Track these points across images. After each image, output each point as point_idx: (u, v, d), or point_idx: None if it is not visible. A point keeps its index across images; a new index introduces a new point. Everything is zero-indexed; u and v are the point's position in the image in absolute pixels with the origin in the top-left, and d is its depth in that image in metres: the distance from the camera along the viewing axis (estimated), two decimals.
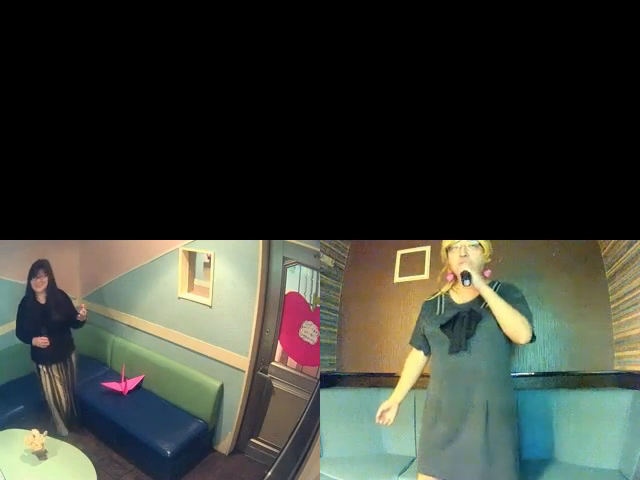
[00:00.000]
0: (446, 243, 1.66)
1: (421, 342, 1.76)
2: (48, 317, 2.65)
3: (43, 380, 2.68)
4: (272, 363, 2.79)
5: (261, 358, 2.78)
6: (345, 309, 3.28)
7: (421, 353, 1.78)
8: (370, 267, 3.27)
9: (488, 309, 1.57)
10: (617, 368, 2.34)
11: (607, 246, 2.46)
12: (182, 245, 2.92)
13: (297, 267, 2.66)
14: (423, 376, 1.81)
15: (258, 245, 2.61)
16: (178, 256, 2.95)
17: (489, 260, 1.67)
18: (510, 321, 1.53)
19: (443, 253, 1.69)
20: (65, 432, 2.74)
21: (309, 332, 2.66)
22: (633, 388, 2.08)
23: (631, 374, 2.19)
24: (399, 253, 3.16)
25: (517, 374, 2.56)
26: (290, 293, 2.71)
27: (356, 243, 3.37)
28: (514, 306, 1.55)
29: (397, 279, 3.13)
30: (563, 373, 2.48)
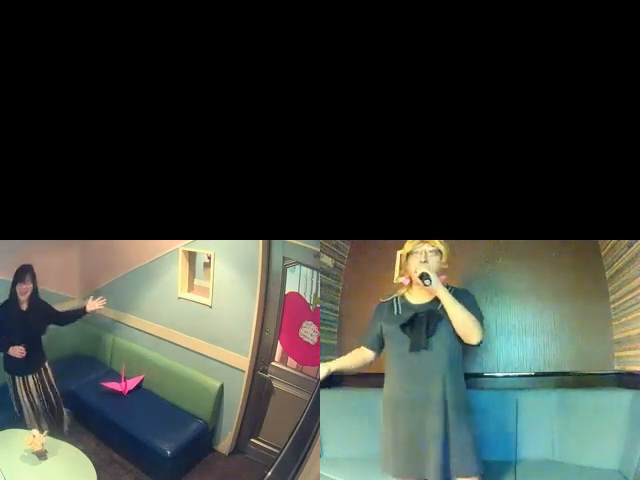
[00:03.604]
0: (408, 248, 1.76)
1: (374, 342, 1.83)
2: (27, 325, 2.52)
3: (20, 392, 2.53)
4: (272, 363, 2.79)
5: (261, 358, 2.78)
6: (345, 309, 3.28)
7: (371, 352, 1.85)
8: (370, 267, 3.27)
9: (444, 310, 1.66)
10: (617, 368, 2.34)
11: (607, 246, 2.46)
12: (182, 245, 2.92)
13: (297, 267, 2.66)
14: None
15: (258, 245, 2.61)
16: (178, 256, 2.95)
17: (446, 266, 1.76)
18: (464, 323, 1.63)
19: (403, 257, 1.78)
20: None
21: (309, 332, 2.66)
22: (633, 388, 2.08)
23: (631, 374, 2.19)
24: (399, 253, 3.15)
25: (517, 374, 2.56)
26: (290, 293, 2.71)
27: (356, 243, 3.36)
28: (467, 309, 1.64)
29: (397, 279, 3.13)
30: (563, 373, 2.48)
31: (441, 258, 1.72)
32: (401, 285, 1.84)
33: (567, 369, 2.48)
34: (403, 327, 1.70)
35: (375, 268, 3.23)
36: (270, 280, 2.69)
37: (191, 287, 3.05)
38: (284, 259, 2.65)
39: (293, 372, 2.73)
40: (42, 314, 2.63)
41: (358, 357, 1.89)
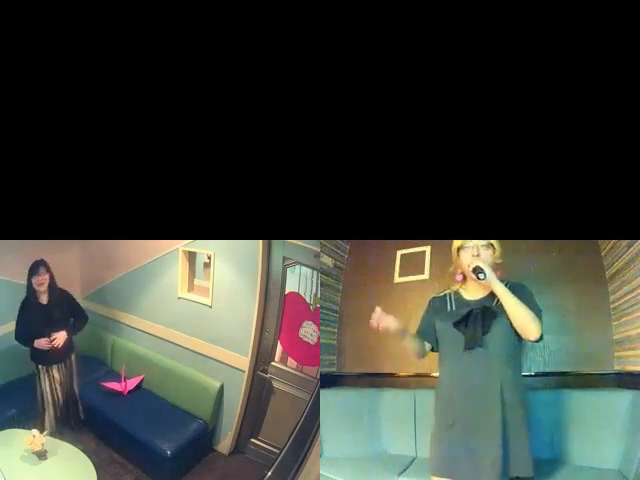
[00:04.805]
0: (457, 243, 1.68)
1: (431, 335, 1.72)
2: (50, 318, 2.61)
3: (42, 381, 2.65)
4: (272, 363, 2.79)
5: (261, 358, 2.78)
6: (345, 309, 3.28)
7: (428, 345, 1.74)
8: (370, 267, 3.27)
9: (500, 306, 1.58)
10: (617, 368, 2.34)
11: (607, 246, 2.46)
12: (182, 245, 2.92)
13: (297, 267, 2.66)
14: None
15: (258, 245, 2.61)
16: (178, 256, 2.95)
17: (500, 261, 1.68)
18: (522, 318, 1.54)
19: (454, 253, 1.70)
20: (53, 430, 2.68)
21: (309, 332, 2.66)
22: (633, 388, 2.08)
23: (631, 374, 2.19)
24: (399, 253, 3.16)
25: None
26: (290, 293, 2.71)
27: (356, 243, 3.37)
28: (525, 303, 1.56)
29: (397, 279, 3.13)
30: (563, 373, 2.48)
31: (494, 252, 1.65)
32: (452, 281, 1.76)
33: (567, 369, 2.48)
34: (457, 324, 1.62)
35: (375, 268, 3.24)
36: (270, 280, 2.69)
37: (191, 287, 3.05)
38: (284, 259, 2.65)
39: (293, 372, 2.73)
40: (64, 305, 2.70)
41: (419, 341, 1.72)
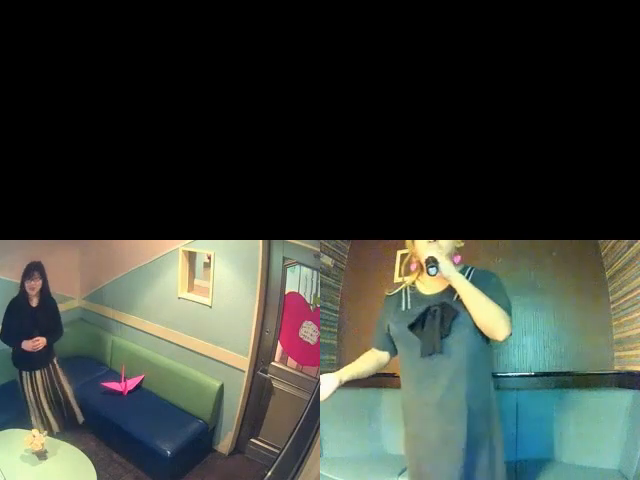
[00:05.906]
0: None
1: (385, 342, 1.55)
2: (36, 321, 2.58)
3: (26, 386, 2.59)
4: (272, 363, 2.79)
5: (261, 358, 2.78)
6: (345, 309, 3.28)
7: (385, 354, 1.57)
8: (370, 267, 3.28)
9: (461, 302, 1.35)
10: (617, 368, 2.35)
11: (607, 246, 2.46)
12: (182, 245, 2.92)
13: (297, 267, 2.66)
14: None
15: (258, 245, 2.61)
16: (178, 256, 2.95)
17: (461, 245, 1.47)
18: (485, 315, 1.30)
19: (408, 240, 1.50)
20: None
21: (309, 332, 2.66)
22: (633, 388, 2.08)
23: (631, 374, 2.19)
24: (399, 253, 3.16)
25: (517, 374, 2.57)
26: (290, 293, 2.71)
27: (356, 243, 3.37)
28: (490, 295, 1.32)
29: (397, 279, 3.13)
30: (563, 373, 2.49)
31: None
32: (408, 273, 1.52)
33: (567, 369, 2.49)
34: (413, 327, 1.39)
35: (375, 268, 3.25)
36: (270, 280, 2.69)
37: (191, 287, 3.05)
38: (284, 259, 2.65)
39: (293, 372, 2.73)
40: (50, 312, 2.67)
41: (370, 361, 1.58)
